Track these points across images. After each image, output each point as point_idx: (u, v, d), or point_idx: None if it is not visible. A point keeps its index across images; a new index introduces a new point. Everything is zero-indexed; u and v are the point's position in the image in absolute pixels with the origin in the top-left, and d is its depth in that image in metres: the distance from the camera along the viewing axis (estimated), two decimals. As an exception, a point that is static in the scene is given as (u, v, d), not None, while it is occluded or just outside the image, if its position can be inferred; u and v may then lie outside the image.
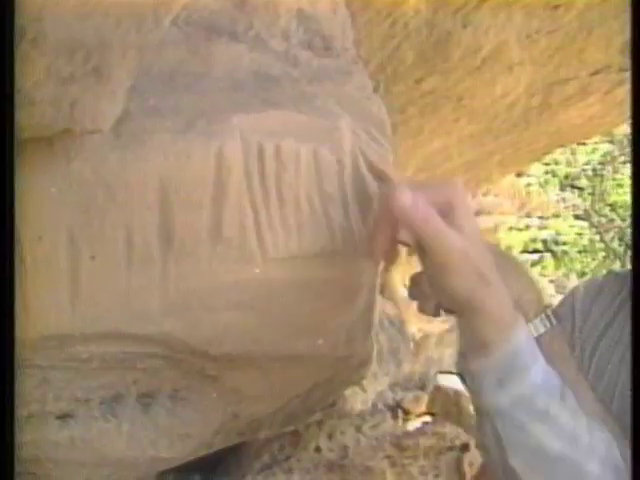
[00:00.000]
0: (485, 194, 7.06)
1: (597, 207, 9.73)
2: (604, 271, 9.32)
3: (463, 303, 1.11)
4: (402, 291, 5.51)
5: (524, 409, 1.12)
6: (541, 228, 9.43)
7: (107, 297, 1.02)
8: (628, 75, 2.70)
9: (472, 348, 1.15)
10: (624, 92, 2.88)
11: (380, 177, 1.20)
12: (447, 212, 1.06)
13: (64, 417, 1.17)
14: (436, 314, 1.23)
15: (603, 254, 9.67)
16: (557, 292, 8.71)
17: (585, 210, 9.71)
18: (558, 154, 8.84)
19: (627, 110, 3.14)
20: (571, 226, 9.62)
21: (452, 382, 6.10)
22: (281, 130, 1.09)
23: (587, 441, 1.15)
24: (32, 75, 0.76)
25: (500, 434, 1.16)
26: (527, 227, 9.02)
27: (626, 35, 2.42)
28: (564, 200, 9.62)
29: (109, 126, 0.90)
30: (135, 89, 1.01)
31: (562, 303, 1.62)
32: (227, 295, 1.08)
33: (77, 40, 0.77)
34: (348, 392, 3.90)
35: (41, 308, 0.98)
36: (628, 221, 9.55)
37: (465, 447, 4.57)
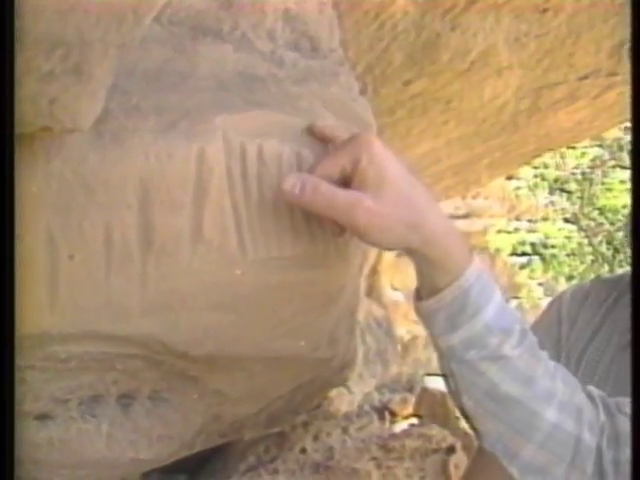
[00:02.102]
0: (475, 197, 7.07)
1: (586, 211, 9.76)
2: (592, 274, 9.36)
3: (403, 251, 1.11)
4: (390, 293, 5.51)
5: (475, 349, 1.12)
6: (530, 231, 9.44)
7: (86, 297, 1.01)
8: (617, 79, 2.71)
9: (423, 289, 1.16)
10: (613, 96, 2.88)
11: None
12: (355, 170, 1.05)
13: (42, 417, 1.17)
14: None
15: (591, 258, 9.69)
16: (545, 295, 8.72)
17: (574, 214, 9.73)
18: (547, 158, 8.85)
19: (616, 114, 3.15)
20: (560, 229, 9.64)
21: (439, 384, 6.11)
22: (264, 131, 1.09)
23: (546, 386, 1.14)
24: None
25: (454, 373, 1.16)
26: (516, 230, 9.03)
27: (615, 39, 2.42)
28: (553, 203, 9.63)
29: (89, 125, 0.89)
30: (118, 88, 1.00)
31: (548, 310, 1.63)
32: (207, 296, 1.08)
33: (57, 37, 0.76)
34: (334, 393, 3.90)
35: (19, 307, 0.97)
36: (617, 225, 9.58)
37: (451, 449, 4.56)
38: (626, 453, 1.15)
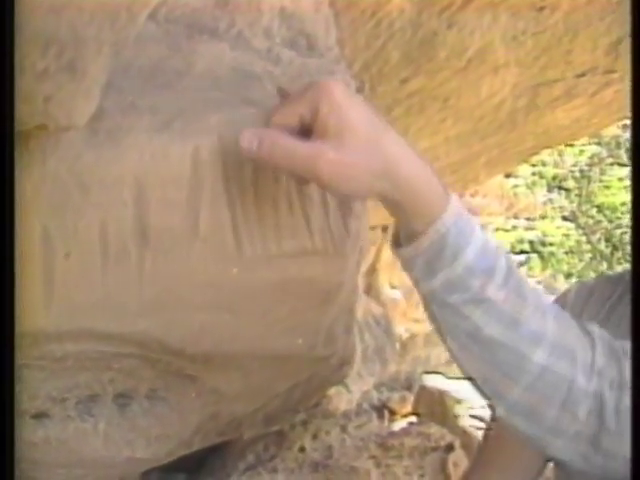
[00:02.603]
0: (473, 195, 7.08)
1: (584, 208, 9.76)
2: (591, 272, 9.37)
3: (375, 199, 1.07)
4: (388, 291, 5.52)
5: (457, 292, 1.08)
6: (528, 229, 9.46)
7: (82, 295, 1.01)
8: (615, 77, 2.71)
9: (401, 234, 1.12)
10: (611, 94, 2.89)
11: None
12: (315, 119, 1.00)
13: (39, 416, 1.17)
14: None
15: (590, 255, 9.70)
16: (544, 293, 8.73)
17: (572, 211, 9.74)
18: (546, 155, 8.86)
19: (614, 112, 3.15)
20: (558, 227, 9.65)
21: (437, 382, 6.11)
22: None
23: (534, 327, 1.11)
24: (5, 70, 0.76)
25: (436, 317, 1.13)
26: (514, 228, 9.04)
27: (612, 37, 2.43)
28: (551, 201, 9.65)
29: (84, 122, 0.89)
30: (114, 86, 1.00)
31: None
32: (204, 294, 1.07)
33: (51, 35, 0.76)
34: (333, 392, 3.91)
35: (15, 306, 0.97)
36: (615, 222, 9.59)
37: (450, 447, 4.57)
38: (628, 399, 1.11)
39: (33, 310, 0.99)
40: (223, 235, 1.06)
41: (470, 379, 1.18)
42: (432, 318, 1.15)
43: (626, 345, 1.16)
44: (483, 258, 1.08)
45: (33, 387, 1.12)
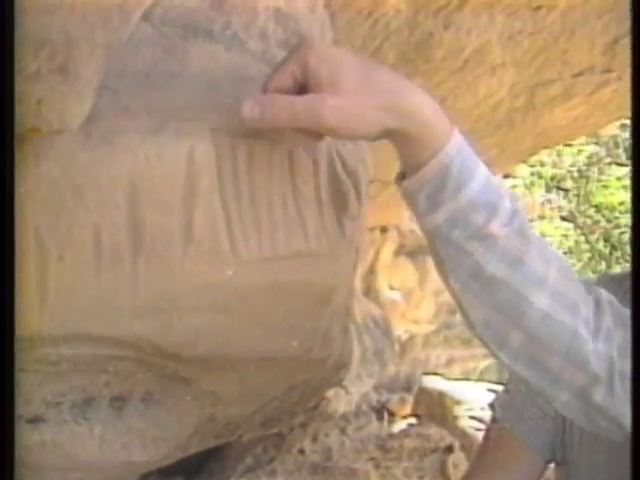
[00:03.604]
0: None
1: (582, 208, 9.76)
2: (590, 272, 9.36)
3: (380, 137, 1.08)
4: (387, 292, 5.51)
5: (460, 227, 1.08)
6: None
7: (76, 298, 1.00)
8: (612, 76, 2.71)
9: (404, 167, 1.12)
10: (608, 93, 2.88)
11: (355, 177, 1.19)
12: (307, 75, 1.02)
13: (35, 420, 1.16)
14: None
15: (589, 255, 9.70)
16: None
17: (570, 211, 9.74)
18: (544, 155, 8.85)
19: (612, 111, 3.15)
20: (557, 227, 9.64)
21: (437, 384, 6.12)
22: (254, 131, 1.08)
23: (537, 270, 1.11)
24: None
25: (439, 253, 1.13)
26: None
27: (609, 36, 2.42)
28: (550, 201, 9.64)
29: (77, 125, 0.89)
30: (108, 88, 1.00)
31: None
32: (199, 297, 1.07)
33: (42, 37, 0.76)
34: (332, 394, 3.91)
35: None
36: (614, 222, 9.59)
37: (449, 449, 4.57)
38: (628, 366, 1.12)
39: (27, 314, 0.98)
40: (218, 237, 1.05)
41: (471, 325, 1.17)
42: (436, 257, 1.15)
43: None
44: (487, 193, 1.08)
45: (28, 391, 1.12)
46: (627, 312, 1.18)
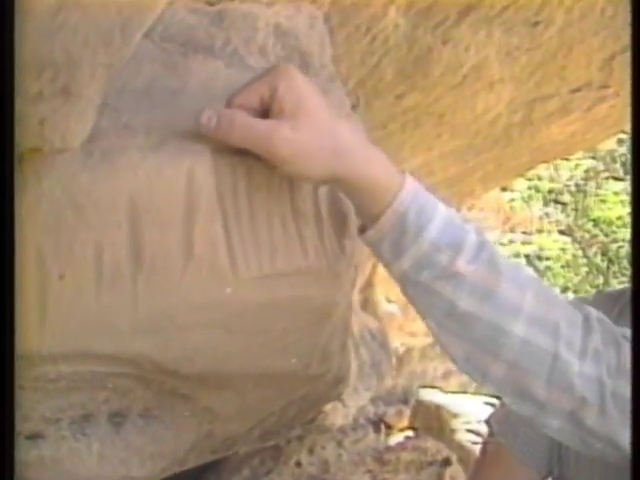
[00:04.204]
0: (470, 209, 7.08)
1: (580, 222, 9.77)
2: (587, 286, 9.36)
3: (327, 182, 1.10)
4: (385, 305, 5.51)
5: (425, 269, 1.09)
6: (524, 243, 9.45)
7: (76, 316, 1.00)
8: (609, 92, 2.71)
9: (363, 220, 1.13)
10: (605, 109, 2.89)
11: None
12: (273, 98, 1.03)
13: (33, 437, 1.16)
14: None
15: (586, 269, 9.69)
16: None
17: (568, 225, 9.74)
18: (541, 170, 8.86)
19: (609, 126, 3.15)
20: (554, 241, 9.64)
21: (434, 396, 6.10)
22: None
23: (510, 299, 1.11)
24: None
25: (412, 296, 1.14)
26: (511, 242, 9.03)
27: (606, 52, 2.43)
28: (547, 215, 9.65)
29: (78, 144, 0.90)
30: (109, 106, 1.00)
31: None
32: (198, 314, 1.07)
33: (45, 58, 0.76)
34: (329, 407, 3.90)
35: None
36: (611, 236, 9.59)
37: (447, 462, 4.56)
38: (624, 386, 1.12)
39: (28, 332, 0.98)
40: (217, 255, 1.06)
41: (456, 364, 1.18)
42: (409, 299, 1.15)
43: (627, 331, 1.16)
44: (448, 232, 1.09)
45: (27, 408, 1.12)
46: (618, 330, 1.17)
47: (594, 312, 1.18)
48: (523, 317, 1.11)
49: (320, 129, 1.04)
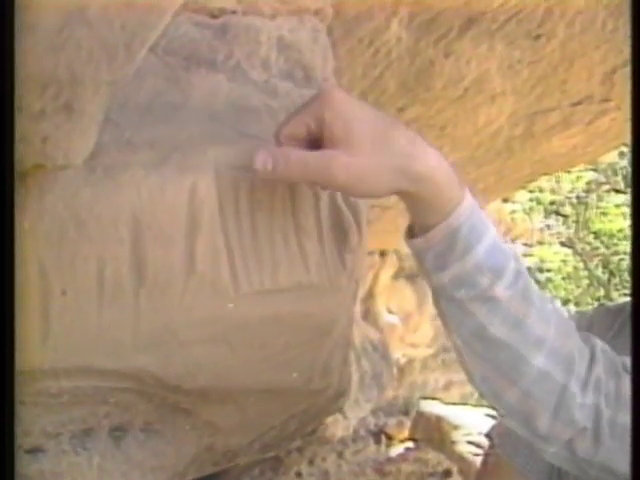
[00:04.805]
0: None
1: (581, 235, 9.75)
2: (588, 298, 9.35)
3: (390, 196, 1.08)
4: (386, 316, 5.51)
5: (465, 288, 1.10)
6: (525, 255, 9.43)
7: (78, 332, 1.00)
8: (610, 106, 2.72)
9: (415, 226, 1.13)
10: (607, 122, 2.90)
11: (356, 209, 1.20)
12: (322, 128, 1.02)
13: (34, 451, 1.16)
14: None
15: (587, 282, 9.67)
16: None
17: (569, 238, 9.72)
18: (543, 181, 8.84)
19: (610, 140, 3.16)
20: (555, 253, 9.62)
21: (435, 408, 6.09)
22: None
23: (537, 331, 1.12)
24: (3, 110, 0.76)
25: (444, 311, 1.15)
26: (512, 253, 9.00)
27: (607, 66, 2.44)
28: (549, 227, 9.63)
29: (81, 161, 0.90)
30: (111, 121, 1.00)
31: None
32: (200, 330, 1.07)
33: (48, 75, 0.76)
34: (329, 419, 3.90)
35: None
36: (612, 249, 9.57)
37: (447, 473, 4.56)
38: (624, 416, 1.13)
39: (30, 347, 0.98)
40: (219, 270, 1.06)
41: (470, 377, 1.19)
42: (440, 313, 1.17)
43: (627, 360, 1.17)
44: (493, 257, 1.10)
45: (27, 422, 1.12)
46: (619, 359, 1.19)
47: (599, 343, 1.21)
48: (545, 349, 1.13)
49: (376, 148, 1.02)
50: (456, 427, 5.71)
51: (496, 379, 1.15)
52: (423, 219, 1.10)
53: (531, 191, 9.23)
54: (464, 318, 1.12)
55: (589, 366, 1.16)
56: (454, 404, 6.26)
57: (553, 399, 1.14)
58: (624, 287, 9.04)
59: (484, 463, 1.83)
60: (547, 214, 9.79)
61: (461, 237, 1.08)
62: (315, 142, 1.04)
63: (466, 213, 1.08)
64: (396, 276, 5.49)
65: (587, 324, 1.57)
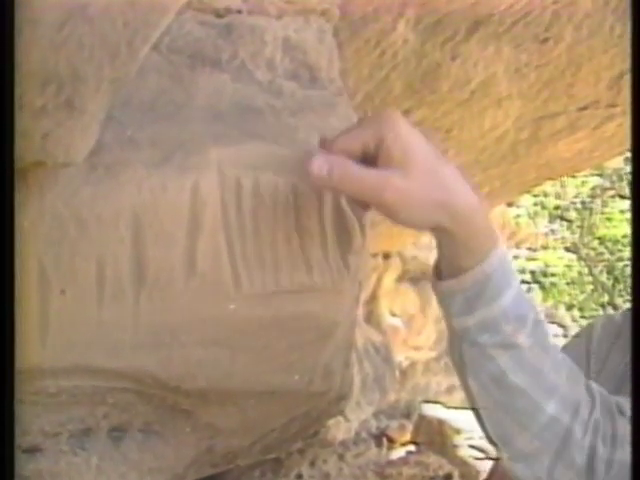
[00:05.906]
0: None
1: (586, 240, 9.75)
2: (592, 304, 9.34)
3: (429, 231, 1.09)
4: (389, 319, 5.50)
5: (488, 333, 1.11)
6: (530, 259, 9.43)
7: (78, 331, 1.00)
8: (617, 111, 2.71)
9: (445, 267, 1.13)
10: (613, 127, 2.89)
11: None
12: (380, 148, 1.02)
13: (31, 450, 1.15)
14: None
15: (591, 287, 9.67)
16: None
17: (574, 243, 9.72)
18: (548, 186, 8.84)
19: (616, 145, 3.15)
20: (560, 258, 9.63)
21: (437, 411, 6.09)
22: (260, 164, 1.08)
23: (551, 379, 1.14)
24: (3, 106, 0.75)
25: (463, 353, 1.15)
26: (516, 258, 9.00)
27: (615, 71, 2.43)
28: (553, 232, 9.63)
29: (82, 159, 0.89)
30: (113, 119, 0.99)
31: (574, 345, 1.60)
32: (200, 330, 1.07)
33: (49, 72, 0.76)
34: (331, 421, 3.89)
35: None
36: (617, 255, 9.56)
37: (448, 477, 4.55)
38: (621, 454, 1.14)
39: (28, 346, 0.98)
40: (221, 271, 1.05)
41: (479, 420, 1.20)
42: (458, 356, 1.17)
43: (620, 401, 1.19)
44: (519, 305, 1.12)
45: (25, 422, 1.11)
46: (614, 400, 1.21)
47: (595, 386, 1.22)
48: (557, 396, 1.15)
49: (428, 179, 1.03)
50: (458, 431, 5.71)
51: (509, 425, 1.16)
52: (455, 260, 1.11)
53: (536, 195, 9.24)
54: (484, 363, 1.13)
55: (590, 411, 1.18)
56: (456, 408, 6.25)
57: (557, 441, 1.16)
58: (628, 293, 9.04)
59: (491, 472, 1.83)
60: (552, 219, 9.79)
61: (493, 283, 1.09)
62: (364, 160, 1.04)
63: (499, 259, 1.09)
64: (399, 279, 5.49)
65: (616, 332, 1.54)
